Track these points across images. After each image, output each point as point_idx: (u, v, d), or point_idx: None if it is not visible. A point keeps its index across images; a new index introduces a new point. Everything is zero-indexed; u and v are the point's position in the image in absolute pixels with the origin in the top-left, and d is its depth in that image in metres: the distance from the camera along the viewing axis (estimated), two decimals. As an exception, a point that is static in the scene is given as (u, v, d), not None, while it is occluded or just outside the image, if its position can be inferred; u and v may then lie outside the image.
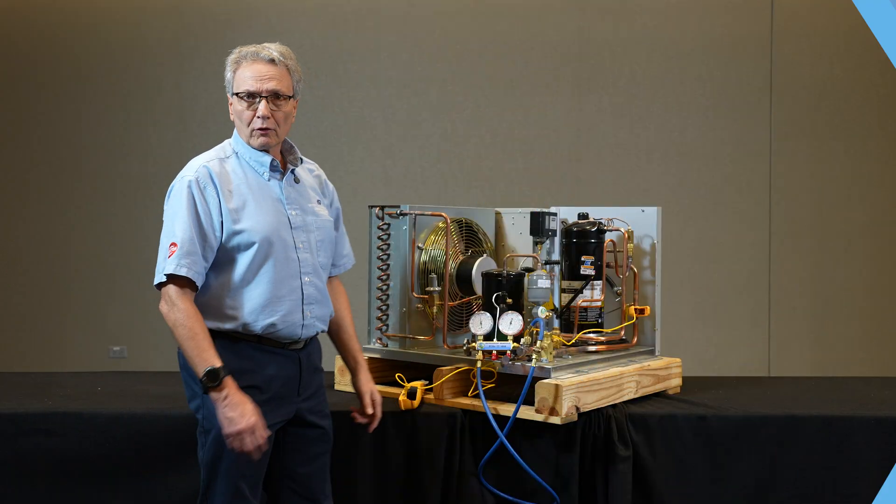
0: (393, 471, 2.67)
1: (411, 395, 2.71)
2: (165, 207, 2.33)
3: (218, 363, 2.17)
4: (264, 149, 2.35)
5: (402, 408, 2.69)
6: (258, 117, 2.30)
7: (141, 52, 5.62)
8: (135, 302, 5.50)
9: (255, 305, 2.28)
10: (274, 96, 2.31)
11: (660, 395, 3.00)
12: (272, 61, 2.32)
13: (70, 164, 5.65)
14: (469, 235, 3.11)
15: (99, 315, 5.64)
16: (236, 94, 2.32)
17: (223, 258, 2.28)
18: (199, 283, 2.24)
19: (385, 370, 2.98)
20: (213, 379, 2.16)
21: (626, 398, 2.83)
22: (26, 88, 5.66)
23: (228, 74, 2.35)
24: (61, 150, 5.66)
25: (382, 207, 3.00)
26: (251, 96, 2.31)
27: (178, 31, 5.61)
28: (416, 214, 2.95)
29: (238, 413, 2.17)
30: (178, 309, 2.20)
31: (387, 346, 2.99)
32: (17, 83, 5.66)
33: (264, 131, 2.31)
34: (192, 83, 5.59)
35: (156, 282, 2.25)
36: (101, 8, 5.64)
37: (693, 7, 5.54)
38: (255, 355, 2.30)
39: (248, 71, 2.31)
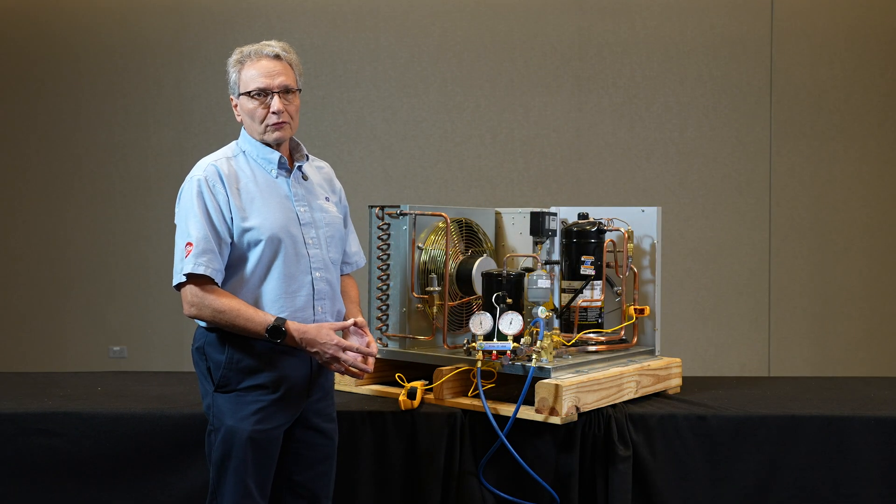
0: (393, 471, 2.67)
1: (411, 395, 2.71)
2: (177, 210, 2.33)
3: (271, 319, 2.21)
4: (279, 143, 2.37)
5: (402, 408, 2.69)
6: (273, 112, 2.31)
7: (141, 51, 5.61)
8: (135, 302, 5.49)
9: (266, 302, 2.29)
10: (284, 91, 2.33)
11: (660, 395, 3.00)
12: (277, 57, 2.34)
13: (70, 164, 5.65)
14: (469, 235, 3.11)
15: (99, 315, 5.63)
16: (246, 93, 2.33)
17: (234, 256, 2.28)
18: (219, 281, 2.25)
19: (385, 370, 2.98)
20: (277, 335, 2.21)
21: (626, 398, 2.83)
22: (25, 88, 5.65)
23: (233, 76, 2.36)
24: (61, 149, 5.65)
25: (382, 207, 2.99)
26: (263, 93, 2.32)
27: (178, 31, 5.61)
28: (416, 214, 2.95)
29: (317, 348, 2.25)
30: (206, 303, 2.21)
31: (387, 346, 2.99)
32: (16, 83, 5.66)
33: (279, 125, 2.33)
34: (192, 83, 5.59)
35: (175, 282, 2.26)
36: (101, 7, 5.63)
37: (693, 7, 5.54)
38: (266, 354, 2.28)
39: (254, 69, 2.32)
